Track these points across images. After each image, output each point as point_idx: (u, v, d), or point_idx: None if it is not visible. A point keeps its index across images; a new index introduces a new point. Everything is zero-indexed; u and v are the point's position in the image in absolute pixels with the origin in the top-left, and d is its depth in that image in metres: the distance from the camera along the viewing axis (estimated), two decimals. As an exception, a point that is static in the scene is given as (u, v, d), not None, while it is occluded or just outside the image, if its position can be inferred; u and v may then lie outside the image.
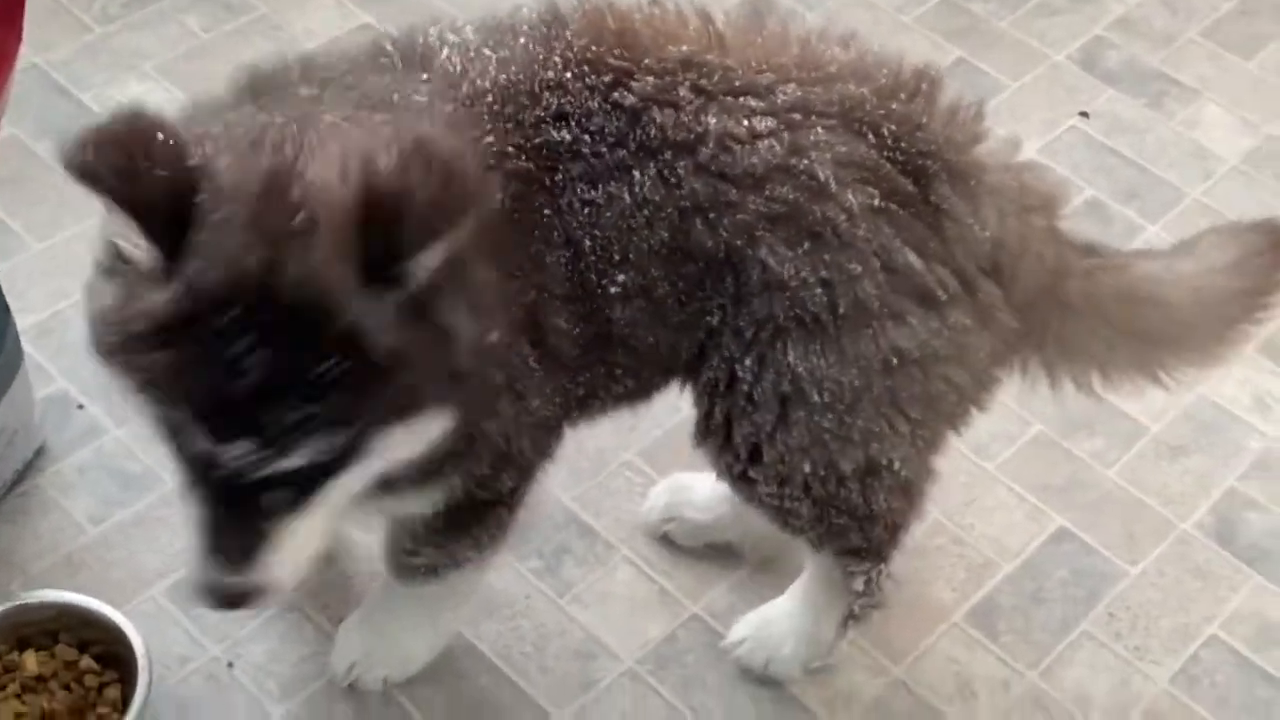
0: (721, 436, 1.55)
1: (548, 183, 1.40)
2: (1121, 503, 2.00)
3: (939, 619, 1.88)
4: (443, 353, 1.24)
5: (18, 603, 1.70)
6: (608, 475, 1.99)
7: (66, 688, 1.68)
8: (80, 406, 1.99)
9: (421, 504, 1.53)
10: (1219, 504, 2.01)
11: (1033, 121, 2.40)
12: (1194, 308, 1.60)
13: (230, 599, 1.32)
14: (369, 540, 1.81)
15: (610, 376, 1.52)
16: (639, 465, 2.00)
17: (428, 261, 1.19)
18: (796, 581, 1.80)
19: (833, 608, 1.76)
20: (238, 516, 1.26)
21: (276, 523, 1.27)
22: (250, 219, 1.17)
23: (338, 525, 1.72)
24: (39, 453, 1.93)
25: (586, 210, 1.41)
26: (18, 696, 1.68)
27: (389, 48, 1.44)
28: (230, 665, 1.78)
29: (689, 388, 1.58)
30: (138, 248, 1.18)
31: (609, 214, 1.41)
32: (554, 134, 1.40)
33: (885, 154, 1.43)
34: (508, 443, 1.47)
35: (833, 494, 1.55)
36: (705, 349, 1.51)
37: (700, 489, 1.90)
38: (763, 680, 1.81)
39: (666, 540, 1.93)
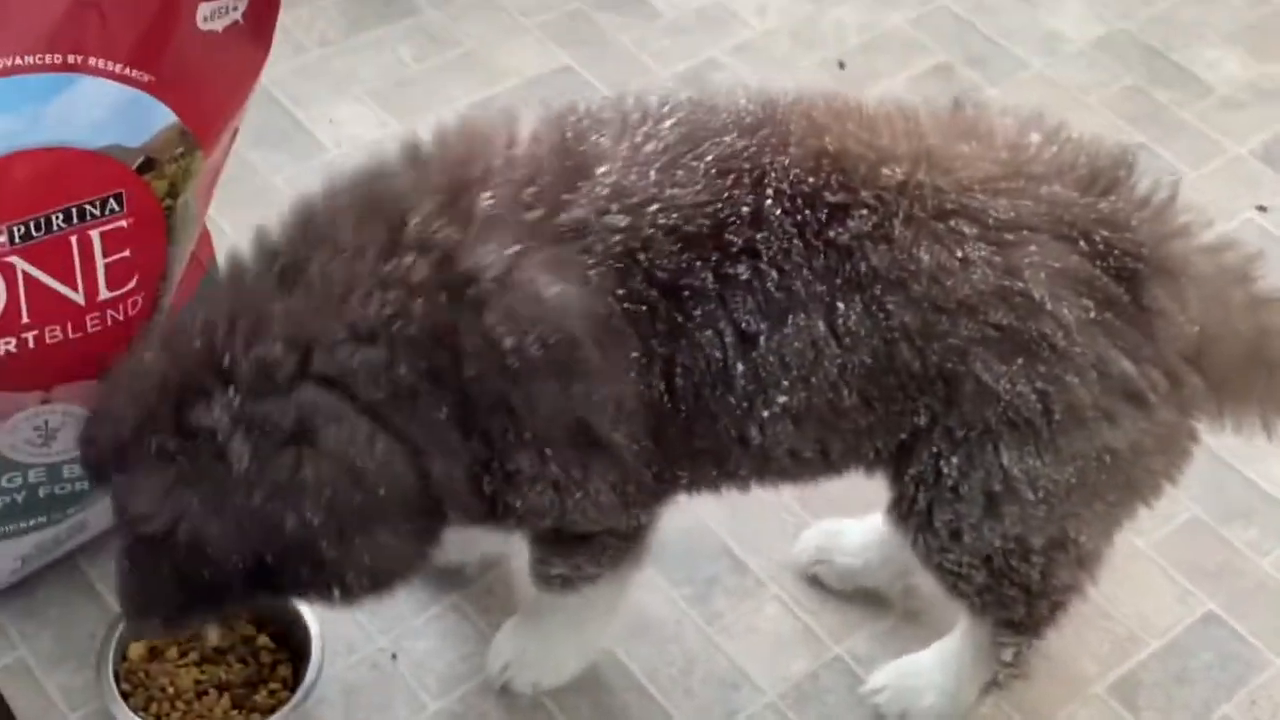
0: (923, 519, 1.55)
1: (676, 321, 1.40)
2: (1273, 593, 1.98)
3: (1081, 688, 1.88)
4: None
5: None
6: (763, 513, 2.01)
7: (243, 661, 1.76)
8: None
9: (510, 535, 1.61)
10: (1371, 604, 1.99)
11: (1211, 212, 2.37)
12: None
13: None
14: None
15: (726, 477, 1.55)
16: (794, 507, 2.02)
17: None
18: (944, 639, 1.81)
19: (977, 673, 1.77)
20: None
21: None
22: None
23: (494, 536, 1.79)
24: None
25: (746, 340, 1.41)
26: (197, 665, 1.76)
27: (537, 147, 1.43)
28: (394, 657, 1.84)
29: (882, 473, 1.58)
30: None
31: (795, 344, 1.41)
32: (721, 270, 1.39)
33: (1097, 262, 1.42)
34: (571, 515, 1.51)
35: (1014, 567, 1.56)
36: (910, 446, 1.51)
37: (851, 534, 1.92)
38: (900, 729, 1.83)
39: (815, 581, 1.95)
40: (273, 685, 1.75)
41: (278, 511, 1.37)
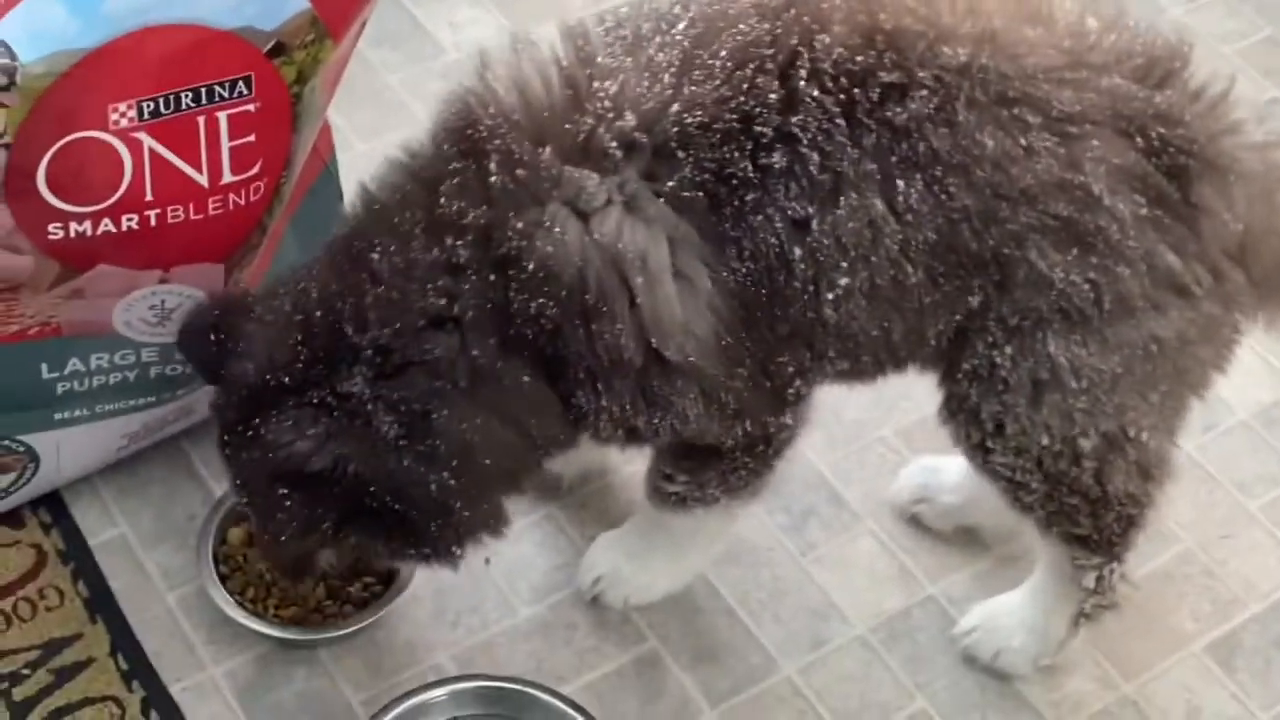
0: (971, 413, 1.57)
1: (731, 206, 1.40)
2: (1382, 565, 1.95)
3: (1178, 646, 1.85)
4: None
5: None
6: (862, 447, 2.00)
7: (340, 552, 1.77)
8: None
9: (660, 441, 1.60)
10: None
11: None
12: None
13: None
14: (632, 467, 1.86)
15: (819, 361, 1.54)
16: (894, 443, 2.01)
17: None
18: (1030, 577, 1.79)
19: (1064, 604, 1.75)
20: None
21: None
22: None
23: (598, 450, 1.79)
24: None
25: (798, 225, 1.41)
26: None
27: (552, 75, 1.43)
28: (487, 562, 1.83)
29: (938, 370, 1.59)
30: None
31: (850, 224, 1.41)
32: (754, 162, 1.39)
33: (1152, 159, 1.44)
34: (680, 431, 1.52)
35: (1066, 470, 1.56)
36: (965, 332, 1.52)
37: (952, 472, 1.90)
38: (990, 671, 1.80)
39: (912, 520, 1.93)
40: (367, 579, 1.76)
41: (422, 475, 1.43)
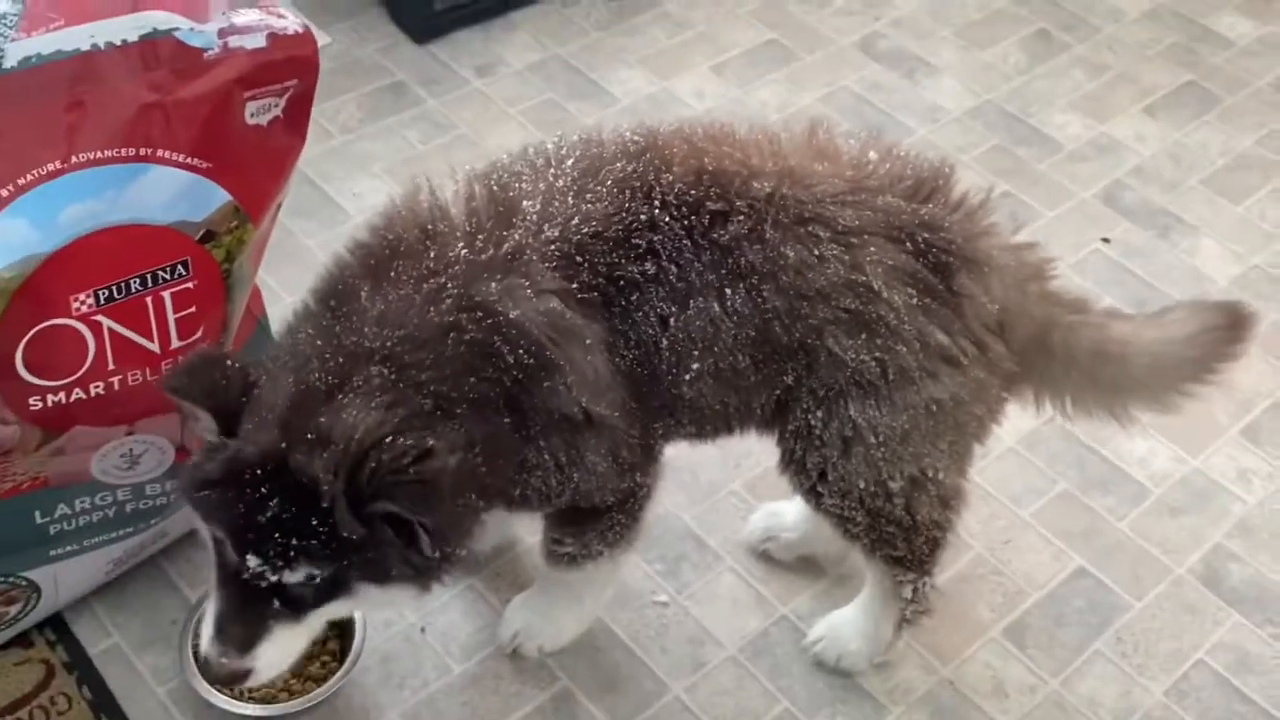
0: (799, 465, 1.58)
1: (621, 305, 1.42)
2: (1129, 550, 1.98)
3: (980, 633, 1.87)
4: (401, 553, 1.32)
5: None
6: (718, 500, 2.00)
7: (299, 638, 1.72)
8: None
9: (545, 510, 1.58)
10: (1208, 555, 1.98)
11: (1064, 244, 2.39)
12: (1150, 369, 1.59)
13: (222, 676, 1.40)
14: (533, 539, 1.84)
15: (678, 427, 1.55)
16: (743, 494, 2.01)
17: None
18: (861, 592, 1.80)
19: (888, 612, 1.76)
20: (243, 615, 1.36)
21: (271, 627, 1.36)
22: (279, 421, 1.29)
23: (506, 524, 1.77)
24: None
25: (664, 320, 1.43)
26: (260, 643, 1.72)
27: (473, 201, 1.43)
28: (423, 630, 1.81)
29: (772, 434, 1.59)
30: (210, 434, 1.33)
31: (697, 322, 1.44)
32: (635, 268, 1.41)
33: (920, 259, 1.46)
34: (581, 488, 1.50)
35: (881, 506, 1.57)
36: (785, 402, 1.54)
37: (790, 514, 1.90)
38: (836, 671, 1.80)
39: (764, 555, 1.93)
40: (324, 658, 1.72)
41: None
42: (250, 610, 1.35)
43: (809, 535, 1.88)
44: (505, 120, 2.61)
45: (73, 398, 1.49)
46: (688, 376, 1.46)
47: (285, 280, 2.22)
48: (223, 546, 1.34)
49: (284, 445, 1.27)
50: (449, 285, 1.36)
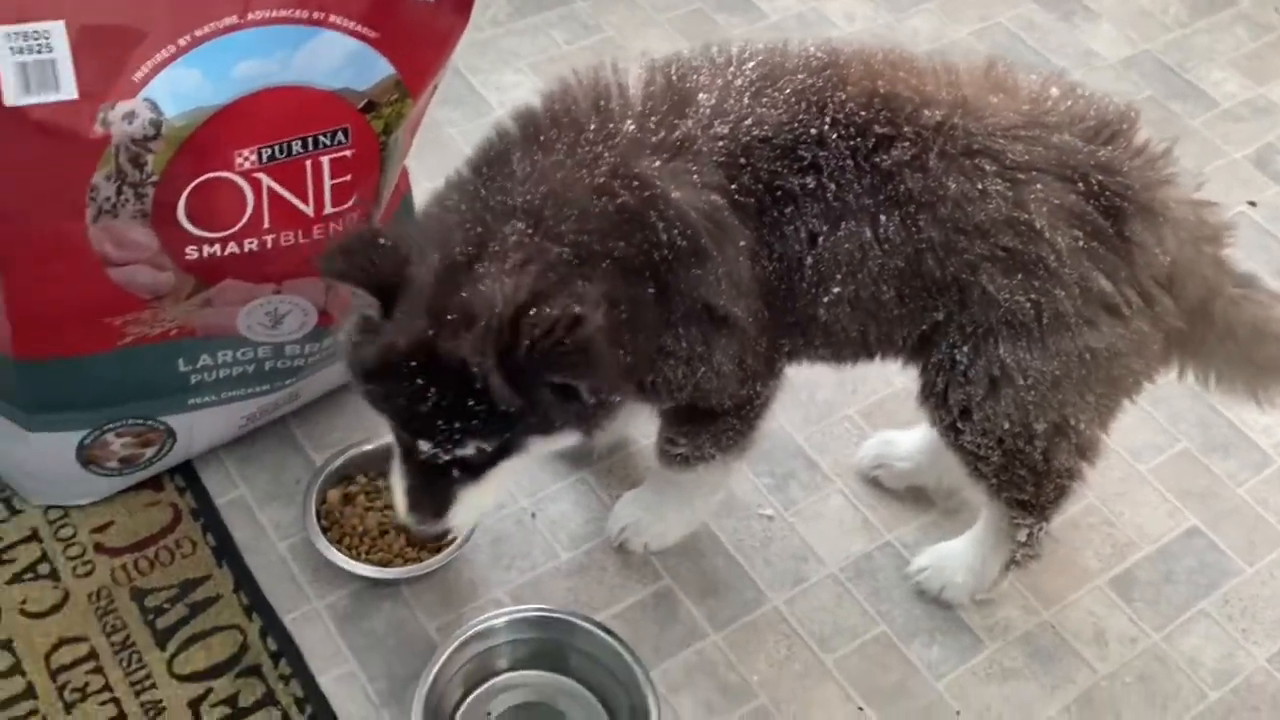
0: (939, 399, 1.55)
1: (773, 215, 1.40)
2: (1245, 515, 1.93)
3: (1086, 580, 1.84)
4: (562, 408, 1.33)
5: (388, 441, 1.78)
6: (832, 423, 1.99)
7: (417, 508, 1.75)
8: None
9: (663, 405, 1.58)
10: (1327, 529, 1.93)
11: (1210, 203, 2.32)
12: None
13: (423, 539, 1.61)
14: (646, 441, 1.85)
15: (808, 348, 1.54)
16: (857, 419, 2.00)
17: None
18: (973, 527, 1.78)
19: (999, 552, 1.74)
20: (429, 486, 1.41)
21: (455, 491, 1.40)
22: (426, 303, 1.29)
23: (623, 421, 1.78)
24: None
25: (813, 238, 1.41)
26: (381, 510, 1.75)
27: (651, 85, 1.42)
28: (533, 515, 1.83)
29: (913, 365, 1.57)
30: (368, 308, 1.33)
31: (845, 245, 1.41)
32: (795, 180, 1.40)
33: (1090, 200, 1.41)
34: (703, 385, 1.49)
35: (1020, 448, 1.54)
36: (930, 336, 1.51)
37: (904, 443, 1.89)
38: (937, 602, 1.79)
39: (873, 482, 1.91)
40: (441, 531, 1.75)
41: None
42: (433, 481, 1.40)
43: (921, 466, 1.87)
44: (652, 25, 2.59)
45: (227, 251, 1.52)
46: (826, 299, 1.45)
47: (427, 168, 2.23)
48: (394, 429, 1.38)
49: (431, 332, 1.28)
50: (606, 155, 1.36)
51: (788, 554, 1.84)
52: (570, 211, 1.33)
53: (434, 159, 2.25)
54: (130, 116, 1.37)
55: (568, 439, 1.40)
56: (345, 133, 1.52)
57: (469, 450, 1.36)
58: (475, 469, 1.39)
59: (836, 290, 1.44)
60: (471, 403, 1.30)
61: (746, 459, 1.73)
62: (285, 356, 1.72)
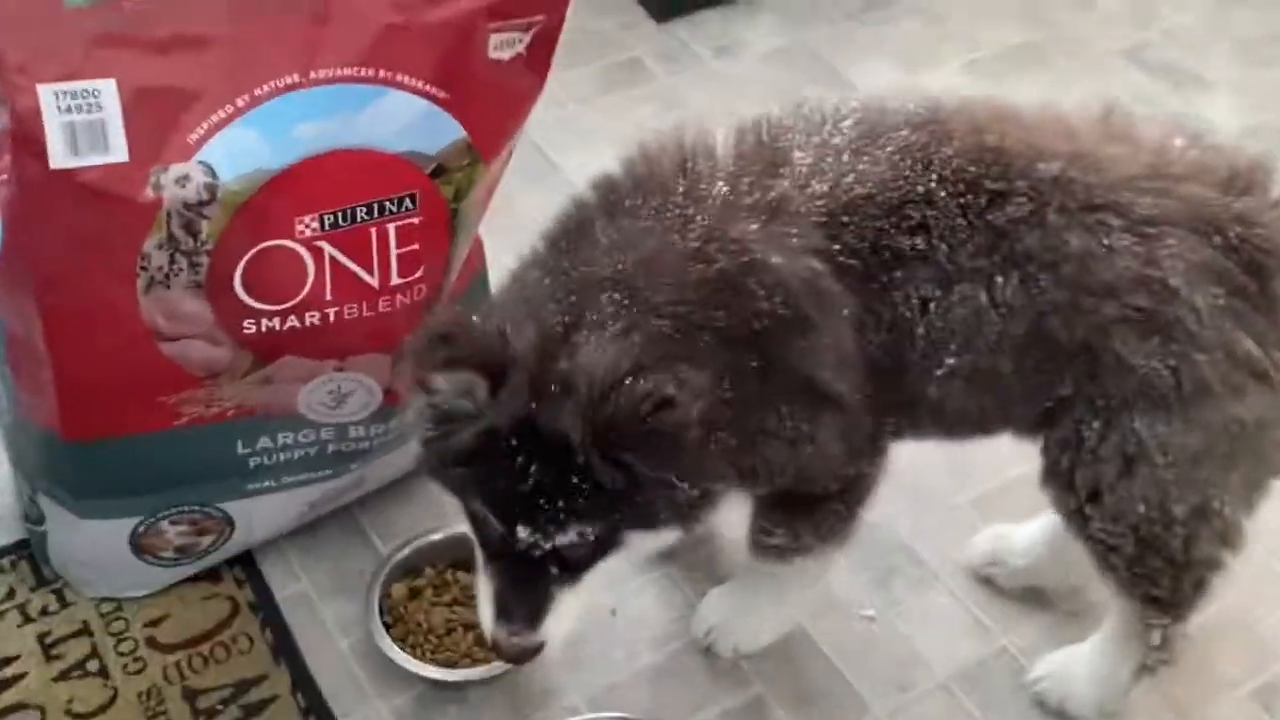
0: (1065, 480, 1.41)
1: (881, 280, 1.30)
2: None
3: (1226, 690, 1.66)
4: (666, 496, 1.23)
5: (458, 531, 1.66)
6: (940, 514, 1.83)
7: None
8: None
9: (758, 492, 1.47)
10: None
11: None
12: None
13: (515, 655, 1.34)
14: (733, 533, 1.71)
15: (915, 427, 1.43)
16: (967, 509, 1.84)
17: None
18: (1098, 630, 1.61)
19: (1129, 657, 1.57)
20: (522, 589, 1.28)
21: (553, 594, 1.27)
22: (527, 378, 1.19)
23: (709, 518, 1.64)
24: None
25: (924, 305, 1.31)
26: (448, 606, 1.64)
27: (741, 145, 1.34)
28: (613, 613, 1.70)
29: (1034, 441, 1.44)
30: (464, 400, 1.22)
31: (959, 310, 1.31)
32: (904, 240, 1.30)
33: (1230, 256, 1.30)
34: (806, 468, 1.38)
35: (1157, 535, 1.39)
36: (1055, 412, 1.38)
37: (1021, 538, 1.73)
38: (1058, 714, 1.62)
39: (985, 581, 1.75)
40: (510, 629, 1.62)
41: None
42: (528, 582, 1.27)
43: (1041, 564, 1.71)
44: (739, 103, 2.49)
45: (287, 325, 1.43)
46: (939, 373, 1.34)
47: (501, 243, 2.15)
48: (484, 521, 1.26)
49: (533, 405, 1.19)
50: (699, 218, 1.26)
51: (891, 659, 1.68)
52: (665, 280, 1.25)
53: (505, 234, 2.17)
54: (184, 180, 1.30)
55: (670, 534, 1.29)
56: (413, 199, 1.44)
57: (570, 536, 1.23)
58: (574, 566, 1.27)
59: (950, 362, 1.33)
60: (575, 479, 1.19)
61: (845, 550, 1.59)
62: (349, 439, 1.62)
